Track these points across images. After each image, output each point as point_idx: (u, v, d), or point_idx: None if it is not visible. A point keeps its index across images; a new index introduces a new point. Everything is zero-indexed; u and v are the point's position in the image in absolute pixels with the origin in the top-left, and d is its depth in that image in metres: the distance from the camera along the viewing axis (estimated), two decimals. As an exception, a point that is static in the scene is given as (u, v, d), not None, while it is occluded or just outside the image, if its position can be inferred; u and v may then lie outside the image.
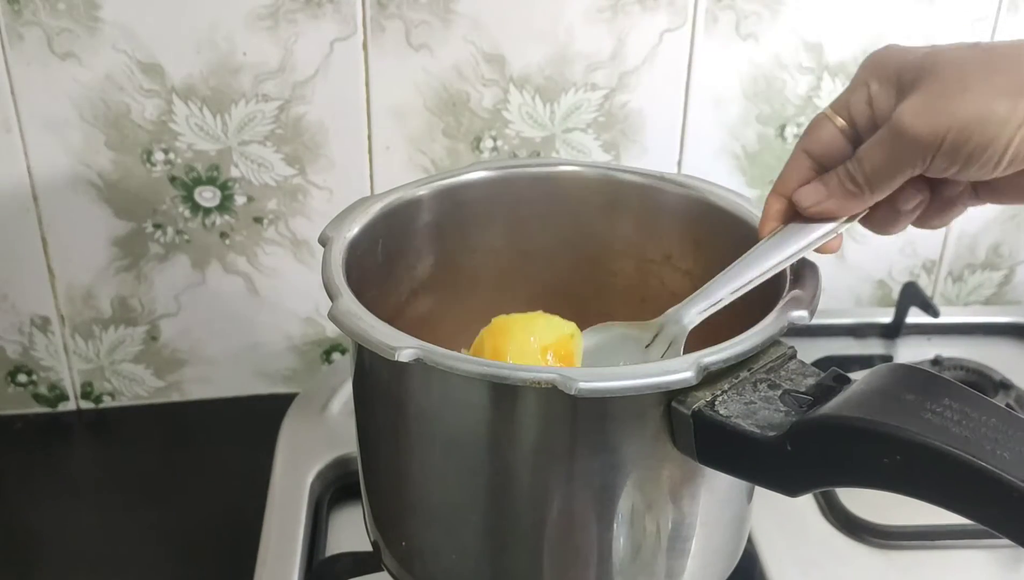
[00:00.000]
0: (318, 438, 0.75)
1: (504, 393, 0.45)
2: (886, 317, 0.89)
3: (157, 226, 0.81)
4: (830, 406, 0.42)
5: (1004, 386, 0.80)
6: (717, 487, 0.50)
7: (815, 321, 0.49)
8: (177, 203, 0.80)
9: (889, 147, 0.48)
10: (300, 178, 0.80)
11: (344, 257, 0.52)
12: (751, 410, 0.44)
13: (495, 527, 0.50)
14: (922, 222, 0.53)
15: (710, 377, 0.44)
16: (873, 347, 0.89)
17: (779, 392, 0.45)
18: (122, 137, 0.77)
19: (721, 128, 0.84)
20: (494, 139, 0.81)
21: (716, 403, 0.44)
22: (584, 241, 0.63)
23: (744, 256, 0.51)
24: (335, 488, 0.72)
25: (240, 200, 0.80)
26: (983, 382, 0.81)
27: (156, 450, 0.85)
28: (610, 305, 0.61)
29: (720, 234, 0.58)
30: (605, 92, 0.81)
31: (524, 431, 0.47)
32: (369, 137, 0.80)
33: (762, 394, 0.45)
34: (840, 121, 0.51)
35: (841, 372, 0.45)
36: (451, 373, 0.44)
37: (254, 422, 0.83)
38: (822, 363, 0.71)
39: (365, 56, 0.77)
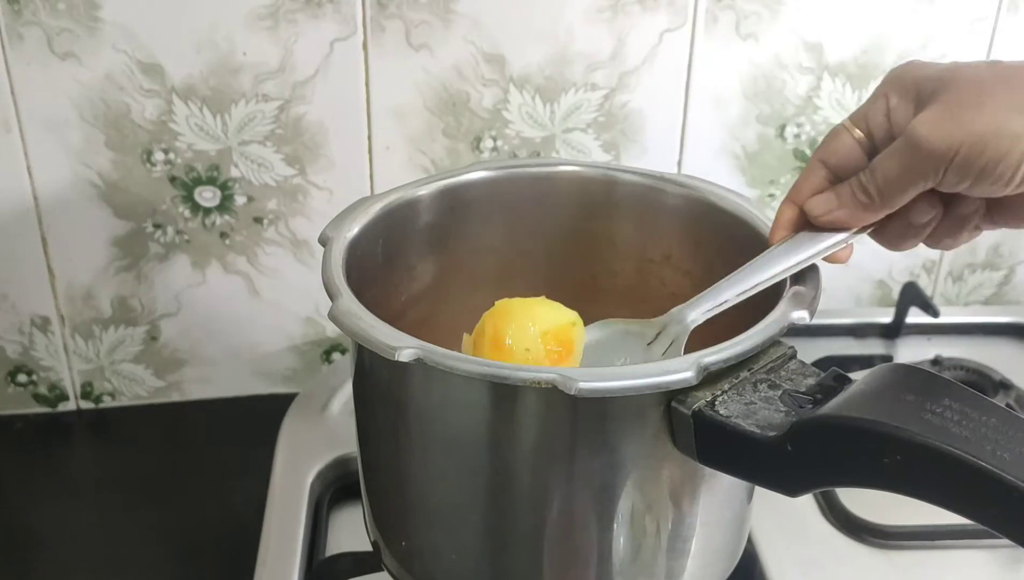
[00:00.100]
0: (318, 438, 0.75)
1: (504, 393, 0.45)
2: (886, 317, 0.89)
3: (157, 226, 0.81)
4: (830, 406, 0.42)
5: (1004, 386, 0.80)
6: (717, 487, 0.50)
7: (815, 321, 0.49)
8: (177, 203, 0.80)
9: (902, 158, 0.48)
10: (300, 178, 0.80)
11: (344, 257, 0.52)
12: (751, 410, 0.44)
13: (495, 527, 0.50)
14: (934, 240, 0.52)
15: (710, 377, 0.44)
16: (873, 347, 0.89)
17: (779, 392, 0.45)
18: (122, 137, 0.77)
19: (721, 128, 0.84)
20: (494, 139, 0.81)
21: (716, 403, 0.44)
22: (584, 241, 0.63)
23: (753, 261, 0.51)
24: (335, 488, 0.72)
25: (240, 200, 0.80)
26: (983, 382, 0.81)
27: (156, 450, 0.85)
28: (610, 305, 0.61)
29: (720, 234, 0.58)
30: (605, 92, 0.81)
31: (524, 431, 0.47)
32: (369, 137, 0.80)
33: (762, 394, 0.45)
34: (858, 132, 0.51)
35: (841, 372, 0.45)
36: (451, 373, 0.44)
37: (254, 422, 0.83)
38: (822, 363, 0.71)
39: (365, 56, 0.77)
